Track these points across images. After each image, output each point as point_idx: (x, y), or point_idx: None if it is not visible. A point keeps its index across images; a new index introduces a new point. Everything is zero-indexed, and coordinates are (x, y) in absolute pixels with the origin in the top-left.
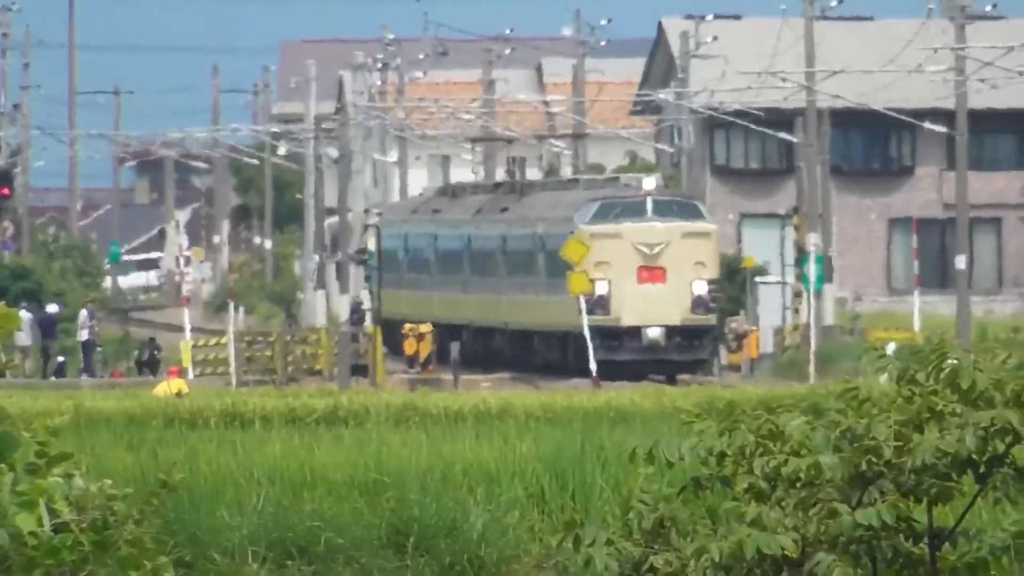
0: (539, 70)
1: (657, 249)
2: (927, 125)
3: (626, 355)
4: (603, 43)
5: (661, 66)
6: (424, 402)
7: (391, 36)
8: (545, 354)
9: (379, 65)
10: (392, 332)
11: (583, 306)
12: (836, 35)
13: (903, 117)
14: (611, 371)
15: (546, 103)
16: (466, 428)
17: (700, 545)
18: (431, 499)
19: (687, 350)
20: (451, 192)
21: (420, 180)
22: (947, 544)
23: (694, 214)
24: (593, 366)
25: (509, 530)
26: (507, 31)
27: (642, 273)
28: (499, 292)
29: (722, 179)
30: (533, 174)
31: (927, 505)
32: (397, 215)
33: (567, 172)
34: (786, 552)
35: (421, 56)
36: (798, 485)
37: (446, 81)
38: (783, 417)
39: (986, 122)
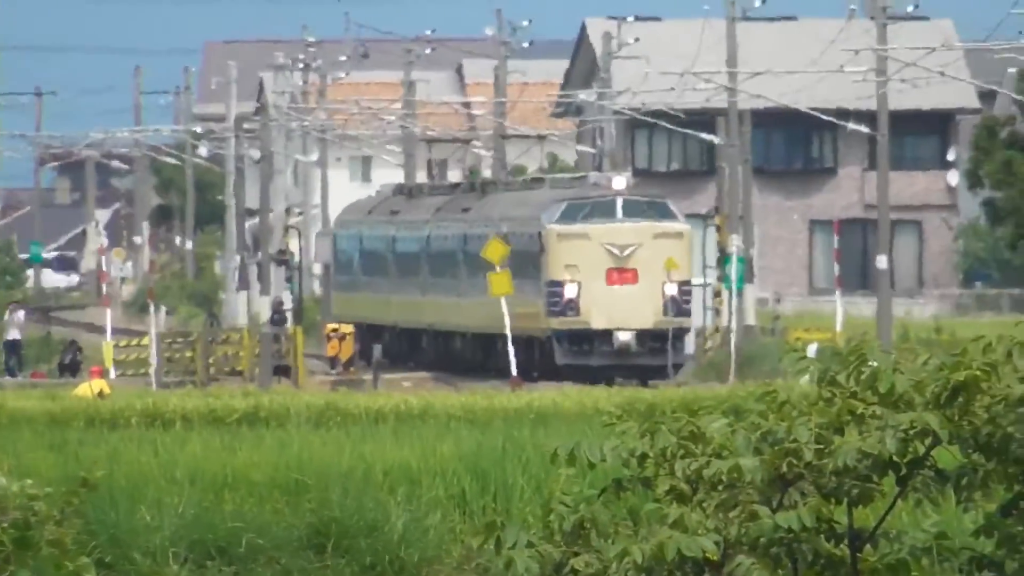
0: (460, 71)
1: (628, 250)
2: (849, 126)
3: (596, 359)
4: (525, 44)
5: (583, 67)
6: (345, 403)
7: (312, 37)
8: (508, 358)
9: (300, 66)
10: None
11: (505, 308)
12: (758, 35)
13: (825, 117)
14: (580, 376)
15: (467, 104)
16: (387, 429)
17: (622, 547)
18: (352, 500)
19: (660, 354)
20: (408, 192)
21: (341, 181)
22: (868, 546)
23: (665, 214)
24: (514, 367)
25: (430, 531)
26: (428, 32)
27: (612, 275)
28: (460, 295)
29: (643, 180)
30: (454, 176)
31: (847, 507)
32: (352, 216)
33: (486, 173)
34: (707, 554)
35: (342, 57)
36: (719, 487)
37: (367, 82)
38: (704, 419)
39: (908, 123)
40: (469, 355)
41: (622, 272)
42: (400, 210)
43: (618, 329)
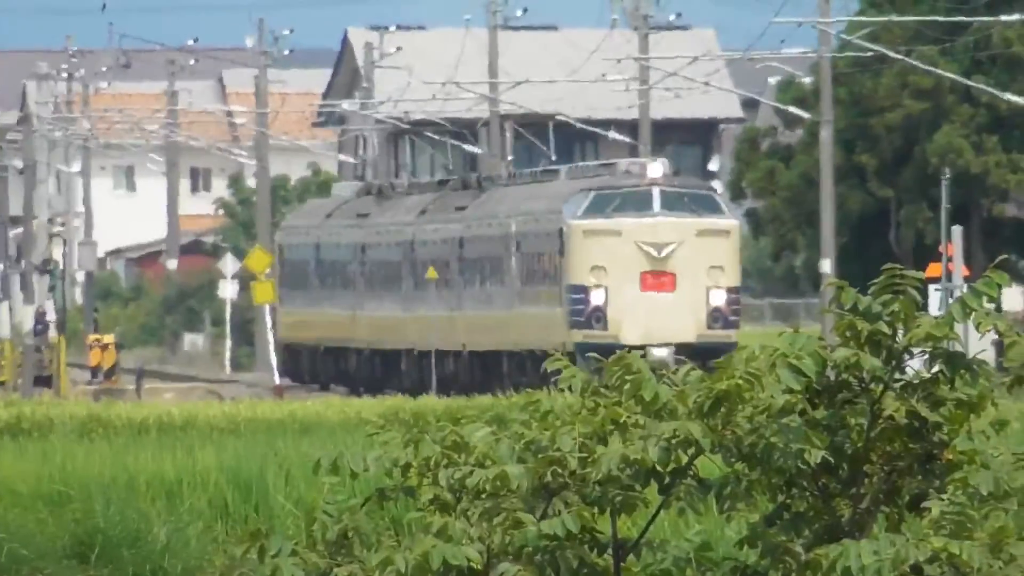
0: (221, 81)
1: (665, 251)
2: (611, 135)
3: None
4: (286, 53)
5: (346, 77)
6: (108, 413)
7: (75, 47)
8: (517, 378)
9: (63, 76)
10: (297, 359)
11: (268, 315)
12: (520, 45)
13: (587, 127)
14: None
15: (229, 114)
16: (150, 439)
17: (385, 556)
18: (115, 510)
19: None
20: (379, 191)
21: (105, 189)
22: (631, 555)
23: (710, 207)
24: (277, 375)
25: (192, 541)
26: (190, 42)
27: (647, 279)
28: (454, 307)
29: None
30: (218, 185)
31: (611, 516)
32: (304, 220)
33: (252, 183)
34: (471, 563)
35: (104, 67)
36: (483, 496)
37: (130, 92)
38: (467, 428)
39: (670, 132)
40: (466, 376)
41: (658, 276)
42: (370, 212)
43: (653, 344)
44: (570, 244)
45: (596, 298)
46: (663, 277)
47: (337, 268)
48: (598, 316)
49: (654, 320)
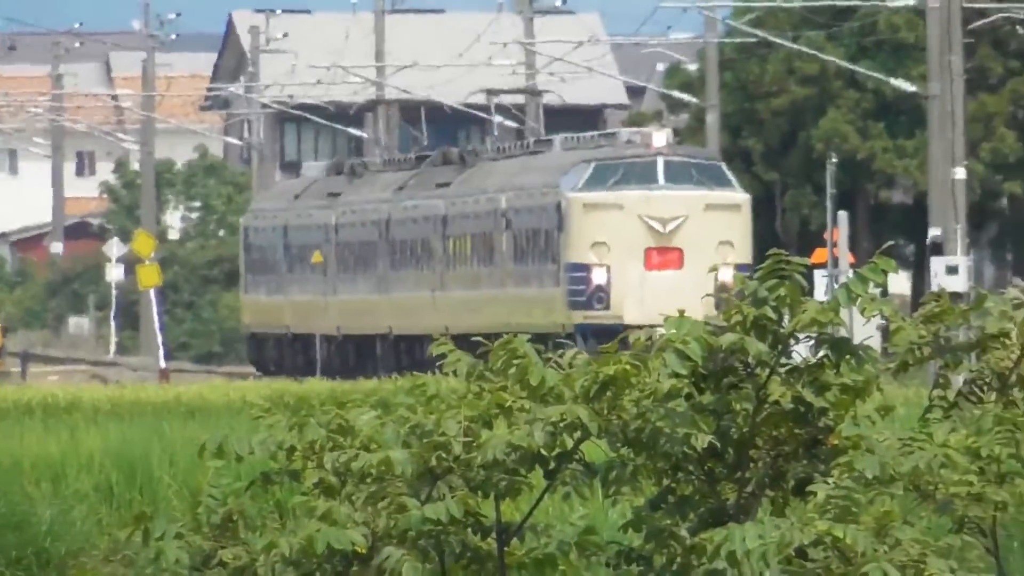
0: (107, 64)
1: (671, 225)
2: (497, 119)
3: None
4: (173, 37)
5: (231, 60)
6: None
7: None
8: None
9: None
10: (263, 348)
11: (153, 299)
12: (407, 29)
13: (473, 111)
14: None
15: (115, 97)
16: (35, 421)
17: (270, 540)
18: None
19: None
20: (351, 170)
21: None
22: (515, 539)
23: (719, 180)
24: (162, 359)
25: (77, 523)
26: (76, 25)
27: (652, 256)
28: (437, 288)
29: (291, 174)
30: (104, 168)
31: (495, 500)
32: (271, 203)
33: (135, 166)
34: (356, 547)
35: None
36: (368, 480)
37: (15, 75)
38: (353, 412)
39: (557, 117)
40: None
41: (664, 253)
42: (342, 192)
43: (659, 325)
44: (569, 219)
45: (598, 277)
46: (669, 254)
47: (306, 251)
48: (600, 296)
49: (659, 299)
